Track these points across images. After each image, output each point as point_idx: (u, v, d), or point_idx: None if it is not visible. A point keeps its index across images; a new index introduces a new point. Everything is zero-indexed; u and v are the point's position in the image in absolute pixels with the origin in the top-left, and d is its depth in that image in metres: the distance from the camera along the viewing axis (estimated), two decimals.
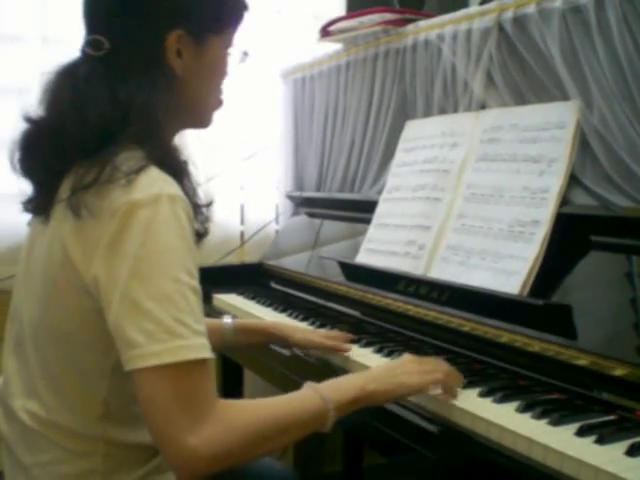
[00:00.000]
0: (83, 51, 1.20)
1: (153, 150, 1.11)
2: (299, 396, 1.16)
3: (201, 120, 1.31)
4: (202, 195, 1.22)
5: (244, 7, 1.29)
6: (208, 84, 1.27)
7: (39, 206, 1.21)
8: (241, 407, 1.09)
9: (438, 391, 1.27)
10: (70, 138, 1.11)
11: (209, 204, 1.25)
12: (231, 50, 1.30)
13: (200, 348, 1.03)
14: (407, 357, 1.34)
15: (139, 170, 1.07)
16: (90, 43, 1.18)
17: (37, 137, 1.18)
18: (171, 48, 1.18)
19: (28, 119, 1.20)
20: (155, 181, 1.08)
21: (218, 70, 1.28)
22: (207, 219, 1.24)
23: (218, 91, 1.31)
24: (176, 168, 1.15)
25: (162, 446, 1.03)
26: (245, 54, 1.35)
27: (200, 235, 1.22)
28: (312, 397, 1.14)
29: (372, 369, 1.35)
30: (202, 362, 1.03)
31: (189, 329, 1.02)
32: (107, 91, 1.13)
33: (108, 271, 1.05)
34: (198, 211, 1.20)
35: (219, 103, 1.32)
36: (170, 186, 1.08)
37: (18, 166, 1.21)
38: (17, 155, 1.21)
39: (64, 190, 1.14)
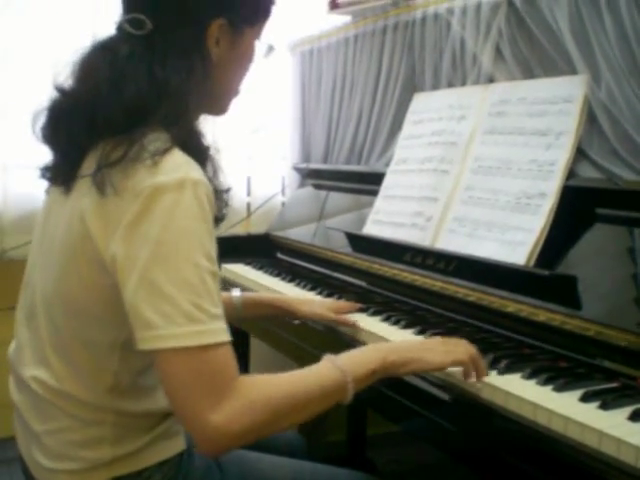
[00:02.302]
0: (120, 28, 1.19)
1: (179, 133, 1.12)
2: (318, 370, 1.16)
3: (221, 107, 1.32)
4: (223, 180, 1.23)
5: (273, 1, 1.31)
6: (237, 74, 1.29)
7: (60, 177, 1.21)
8: (262, 383, 1.09)
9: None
10: (102, 113, 1.11)
11: (228, 190, 1.26)
12: (258, 44, 1.31)
13: (218, 332, 1.04)
14: (434, 337, 1.38)
15: (165, 151, 1.08)
16: (131, 22, 1.17)
17: (67, 109, 1.18)
18: (212, 36, 1.19)
19: (60, 89, 1.20)
20: (180, 165, 1.08)
21: (247, 61, 1.30)
22: (225, 204, 1.25)
23: (241, 81, 1.33)
24: (199, 152, 1.16)
25: (186, 424, 1.05)
26: (271, 48, 1.36)
27: (217, 220, 1.22)
28: (331, 370, 1.15)
29: (393, 342, 1.35)
30: (220, 345, 1.04)
31: (207, 314, 1.03)
32: (146, 71, 1.13)
33: (127, 250, 1.05)
34: (218, 196, 1.20)
35: (238, 92, 1.34)
36: (194, 170, 1.09)
37: (41, 134, 1.21)
38: (42, 123, 1.21)
39: (88, 165, 1.14)
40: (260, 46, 1.32)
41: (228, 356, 1.05)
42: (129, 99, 1.11)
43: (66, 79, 1.19)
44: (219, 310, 1.06)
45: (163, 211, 1.04)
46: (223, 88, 1.28)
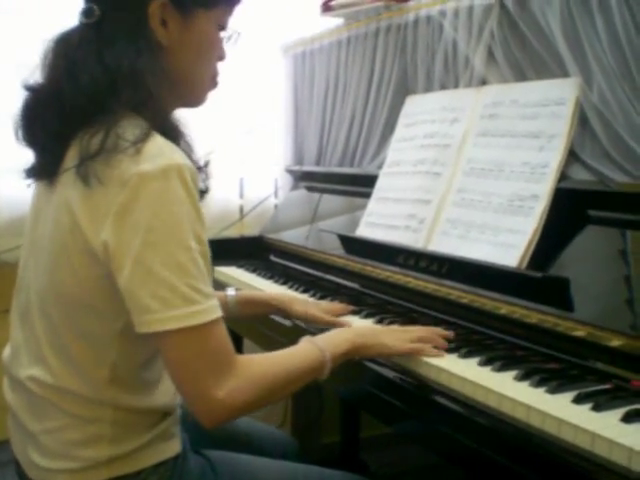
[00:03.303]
0: (79, 20, 1.22)
1: (153, 117, 1.14)
2: (302, 349, 1.28)
3: (193, 98, 1.32)
4: (199, 153, 1.27)
5: None
6: (196, 60, 1.27)
7: (44, 172, 1.22)
8: (257, 361, 1.20)
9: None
10: (67, 103, 1.14)
11: (207, 163, 1.30)
12: (225, 33, 1.31)
13: (213, 309, 1.11)
14: (395, 326, 1.49)
15: (145, 138, 1.10)
16: (84, 11, 1.20)
17: (38, 104, 1.20)
18: (154, 16, 1.19)
19: (28, 87, 1.22)
20: (162, 151, 1.10)
21: (207, 47, 1.28)
22: (207, 176, 1.30)
23: (211, 71, 1.31)
24: (174, 132, 1.19)
25: (191, 401, 1.12)
26: (237, 34, 1.35)
27: (202, 192, 1.26)
28: (312, 350, 1.27)
29: (358, 326, 1.49)
30: (217, 321, 1.11)
31: (201, 294, 1.09)
32: (95, 57, 1.15)
33: (118, 238, 1.07)
34: (199, 171, 1.24)
35: (213, 84, 1.33)
36: (177, 155, 1.11)
37: (21, 135, 1.23)
38: (20, 124, 1.22)
39: (71, 157, 1.16)
40: (228, 37, 1.32)
41: (224, 333, 1.13)
42: (85, 86, 1.13)
43: (33, 75, 1.21)
44: (211, 289, 1.13)
45: (152, 199, 1.07)
46: (187, 75, 1.27)
